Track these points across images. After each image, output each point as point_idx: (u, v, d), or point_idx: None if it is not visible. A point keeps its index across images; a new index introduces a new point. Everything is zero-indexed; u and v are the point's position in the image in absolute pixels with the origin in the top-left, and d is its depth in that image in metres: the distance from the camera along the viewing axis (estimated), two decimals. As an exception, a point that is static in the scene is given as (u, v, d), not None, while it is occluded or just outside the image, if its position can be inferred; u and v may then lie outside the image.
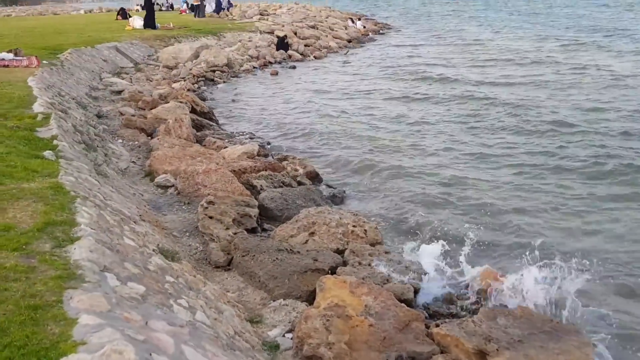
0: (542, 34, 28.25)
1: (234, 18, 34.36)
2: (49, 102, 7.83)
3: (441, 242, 5.88)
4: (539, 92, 13.73)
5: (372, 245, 5.52)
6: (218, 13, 36.25)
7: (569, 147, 9.09)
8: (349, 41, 28.73)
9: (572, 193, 7.28)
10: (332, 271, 4.78)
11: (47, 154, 5.31)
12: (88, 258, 3.21)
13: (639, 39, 24.14)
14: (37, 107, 7.29)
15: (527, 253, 5.05)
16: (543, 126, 10.38)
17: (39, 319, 2.48)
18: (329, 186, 7.61)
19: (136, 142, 8.83)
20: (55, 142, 5.80)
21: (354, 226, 5.66)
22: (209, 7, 38.22)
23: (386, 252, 5.40)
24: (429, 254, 5.69)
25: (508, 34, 28.93)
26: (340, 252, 5.30)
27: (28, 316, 2.49)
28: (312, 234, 5.52)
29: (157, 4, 50.75)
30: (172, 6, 48.56)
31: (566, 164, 8.36)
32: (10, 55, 12.38)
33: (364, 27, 35.96)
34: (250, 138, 10.24)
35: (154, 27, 23.68)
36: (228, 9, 37.55)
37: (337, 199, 7.18)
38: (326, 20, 35.82)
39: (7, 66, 11.52)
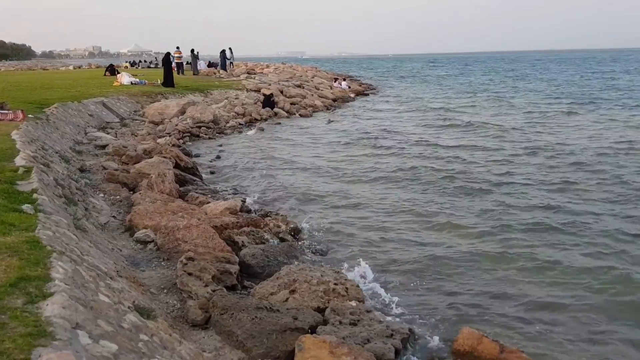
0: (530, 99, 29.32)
1: (222, 76, 35.08)
2: (31, 155, 7.80)
3: (425, 301, 5.86)
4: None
5: (354, 303, 5.46)
6: (224, 69, 37.58)
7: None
8: (334, 100, 29.42)
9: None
10: (312, 330, 4.70)
11: (26, 207, 5.24)
12: (60, 315, 3.12)
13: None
14: (19, 161, 7.26)
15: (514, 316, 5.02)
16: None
17: (4, 379, 2.38)
18: (311, 242, 7.58)
19: (118, 197, 8.77)
20: (35, 195, 5.75)
21: (335, 284, 5.60)
22: (203, 65, 39.21)
23: (368, 311, 5.32)
24: (412, 314, 5.66)
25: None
26: (321, 310, 5.22)
27: (-7, 376, 2.40)
28: (292, 291, 5.45)
29: (145, 61, 51.93)
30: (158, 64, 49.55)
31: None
32: (-4, 109, 12.42)
33: (349, 87, 36.92)
34: (234, 194, 10.25)
35: (170, 84, 24.60)
36: (227, 66, 38.66)
37: (319, 255, 7.14)
38: (312, 80, 36.76)
39: (-8, 119, 11.54)
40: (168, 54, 26.29)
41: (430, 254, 7.29)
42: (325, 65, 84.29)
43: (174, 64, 32.13)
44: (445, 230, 8.37)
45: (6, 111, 12.49)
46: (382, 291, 6.13)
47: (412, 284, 6.35)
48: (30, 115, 12.32)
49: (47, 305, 3.20)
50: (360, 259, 6.95)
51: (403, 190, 10.78)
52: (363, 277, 6.49)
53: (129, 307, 4.12)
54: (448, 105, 26.94)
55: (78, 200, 7.42)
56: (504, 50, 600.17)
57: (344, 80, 40.18)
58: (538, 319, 5.51)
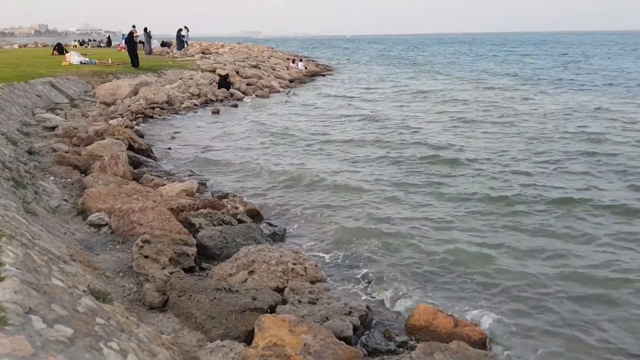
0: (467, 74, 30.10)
1: (175, 56, 34.28)
2: (-25, 137, 7.46)
3: (382, 278, 5.98)
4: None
5: (313, 282, 5.52)
6: (181, 48, 36.69)
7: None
8: (291, 81, 29.25)
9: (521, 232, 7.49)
10: (272, 310, 4.73)
11: (-29, 191, 5.03)
12: (12, 300, 3.03)
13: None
14: (-38, 142, 6.94)
15: (468, 289, 5.18)
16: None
17: (-47, 367, 2.31)
18: (270, 224, 7.59)
19: (69, 180, 8.51)
20: (-20, 178, 5.52)
21: (294, 264, 5.64)
22: (156, 44, 38.20)
23: (326, 290, 5.40)
24: (369, 291, 5.77)
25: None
26: (280, 290, 5.26)
27: (-59, 363, 2.32)
28: (251, 272, 5.46)
29: (94, 40, 50.14)
30: (110, 42, 48.03)
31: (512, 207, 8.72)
32: None
33: (306, 68, 36.74)
34: (190, 176, 10.11)
35: (137, 64, 24.06)
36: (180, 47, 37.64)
37: (277, 237, 7.15)
38: (268, 61, 36.39)
39: None
40: (131, 33, 25.42)
41: (388, 229, 7.43)
42: (281, 46, 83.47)
43: (145, 44, 31.31)
44: (401, 202, 8.58)
45: (-54, 91, 11.87)
46: (340, 270, 6.22)
47: (371, 262, 6.44)
48: (-28, 96, 11.75)
49: (-2, 290, 3.10)
50: (319, 239, 7.01)
51: (357, 167, 11.04)
52: (321, 255, 6.55)
53: (83, 291, 4.04)
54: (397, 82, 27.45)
55: (27, 184, 7.18)
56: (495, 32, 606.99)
57: (301, 61, 39.96)
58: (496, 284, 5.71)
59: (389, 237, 7.12)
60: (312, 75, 34.39)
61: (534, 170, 10.29)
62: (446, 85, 27.38)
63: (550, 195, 8.68)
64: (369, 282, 5.93)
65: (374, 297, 5.63)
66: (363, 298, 5.59)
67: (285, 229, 7.48)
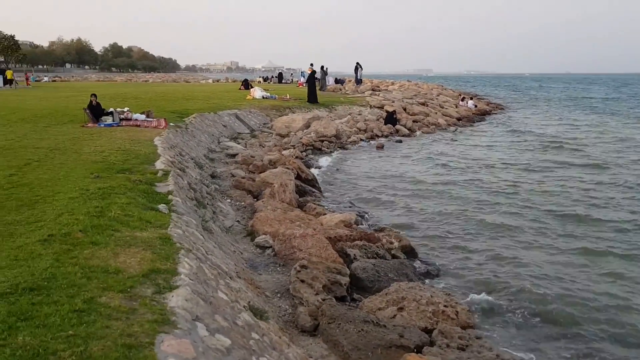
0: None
1: (347, 92, 35.79)
2: (169, 160, 8.58)
3: (542, 335, 5.55)
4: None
5: (464, 328, 5.32)
6: (359, 83, 39.13)
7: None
8: (459, 119, 28.72)
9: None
10: (418, 350, 4.65)
11: (162, 207, 5.79)
12: (183, 306, 3.42)
13: None
14: (159, 164, 8.02)
15: None
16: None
17: (131, 358, 2.67)
18: (423, 262, 7.48)
19: (242, 203, 9.32)
20: (170, 197, 6.33)
21: (445, 306, 5.50)
22: (330, 81, 40.55)
23: (478, 337, 5.16)
24: (522, 345, 5.39)
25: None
26: (428, 331, 5.15)
27: (122, 354, 2.69)
28: (400, 309, 5.44)
29: (275, 77, 54.37)
30: (281, 77, 51.74)
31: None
32: (143, 116, 13.88)
33: (476, 106, 35.85)
34: (349, 207, 10.42)
35: (314, 101, 25.92)
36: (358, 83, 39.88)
37: (430, 276, 7.03)
38: (437, 98, 36.22)
39: (139, 126, 12.86)
40: (314, 72, 27.71)
41: (557, 290, 6.78)
42: (451, 83, 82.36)
43: (322, 81, 33.68)
44: (575, 264, 7.83)
45: (151, 119, 13.88)
46: (495, 320, 5.89)
47: (532, 314, 5.98)
48: (171, 124, 13.54)
49: (173, 296, 3.52)
50: (474, 283, 6.73)
51: (535, 221, 9.98)
52: (475, 303, 6.27)
53: (244, 307, 4.38)
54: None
55: (207, 204, 8.02)
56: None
57: (471, 99, 39.11)
58: None
59: (553, 289, 6.58)
60: (482, 114, 33.43)
61: None
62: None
63: None
64: (525, 336, 5.52)
65: (529, 355, 5.22)
66: (515, 353, 5.22)
67: (439, 269, 7.32)
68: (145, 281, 3.66)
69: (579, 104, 45.91)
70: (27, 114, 15.37)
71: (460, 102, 35.99)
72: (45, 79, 63.29)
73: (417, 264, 7.35)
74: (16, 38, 44.05)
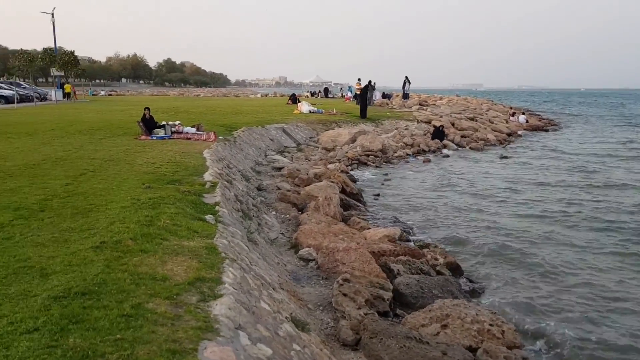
0: None
1: (394, 107, 35.70)
2: (217, 172, 8.78)
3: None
4: None
5: (510, 348, 5.17)
6: (406, 97, 39.37)
7: None
8: (509, 135, 28.13)
9: None
10: (461, 369, 4.55)
11: (209, 217, 5.93)
12: (226, 315, 3.48)
13: None
14: (207, 176, 8.22)
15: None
16: None
17: (175, 363, 2.75)
18: (469, 280, 7.34)
19: (287, 216, 9.41)
20: (217, 208, 6.47)
21: (490, 325, 5.37)
22: (377, 96, 40.67)
23: (524, 358, 5.01)
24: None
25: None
26: (472, 350, 5.04)
27: (167, 359, 2.77)
28: (444, 326, 5.34)
29: (322, 91, 54.88)
30: (327, 92, 52.17)
31: None
32: (193, 130, 14.29)
33: (527, 121, 35.06)
34: (394, 222, 10.34)
35: (365, 116, 26.24)
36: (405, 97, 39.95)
37: (476, 294, 6.88)
38: (486, 113, 35.64)
39: (189, 139, 13.24)
40: (366, 87, 27.98)
41: (617, 319, 6.46)
42: (503, 99, 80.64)
43: (369, 96, 33.99)
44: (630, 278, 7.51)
45: (201, 132, 14.27)
46: (542, 340, 5.70)
47: (582, 339, 5.76)
48: (220, 137, 13.87)
49: (217, 305, 3.59)
50: (521, 303, 6.54)
51: (585, 239, 9.70)
52: (521, 323, 6.09)
53: (286, 317, 4.42)
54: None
55: (253, 216, 8.14)
56: None
57: (523, 114, 38.26)
58: None
59: (613, 318, 6.31)
60: (533, 130, 32.64)
61: None
62: None
63: None
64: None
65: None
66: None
67: (485, 288, 7.15)
68: (190, 289, 3.75)
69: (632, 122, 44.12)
70: (84, 126, 16.09)
71: (511, 117, 35.27)
72: (102, 93, 66.13)
73: (462, 281, 7.22)
74: (75, 54, 46.12)
